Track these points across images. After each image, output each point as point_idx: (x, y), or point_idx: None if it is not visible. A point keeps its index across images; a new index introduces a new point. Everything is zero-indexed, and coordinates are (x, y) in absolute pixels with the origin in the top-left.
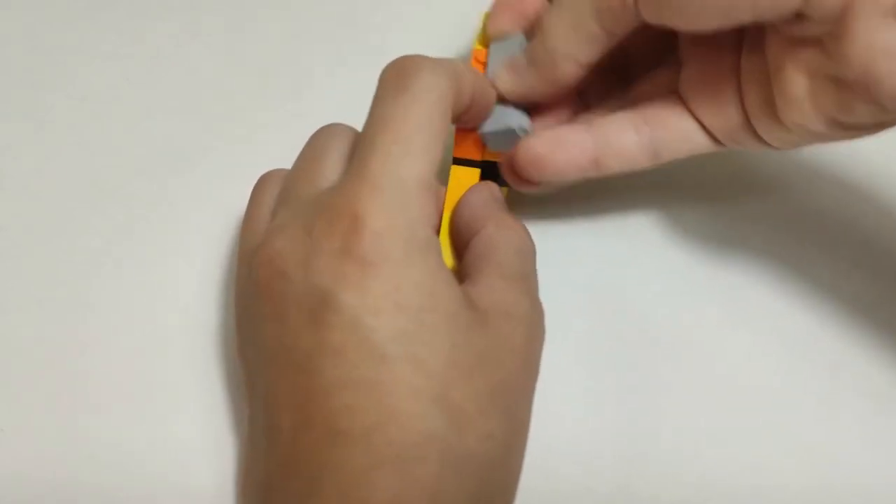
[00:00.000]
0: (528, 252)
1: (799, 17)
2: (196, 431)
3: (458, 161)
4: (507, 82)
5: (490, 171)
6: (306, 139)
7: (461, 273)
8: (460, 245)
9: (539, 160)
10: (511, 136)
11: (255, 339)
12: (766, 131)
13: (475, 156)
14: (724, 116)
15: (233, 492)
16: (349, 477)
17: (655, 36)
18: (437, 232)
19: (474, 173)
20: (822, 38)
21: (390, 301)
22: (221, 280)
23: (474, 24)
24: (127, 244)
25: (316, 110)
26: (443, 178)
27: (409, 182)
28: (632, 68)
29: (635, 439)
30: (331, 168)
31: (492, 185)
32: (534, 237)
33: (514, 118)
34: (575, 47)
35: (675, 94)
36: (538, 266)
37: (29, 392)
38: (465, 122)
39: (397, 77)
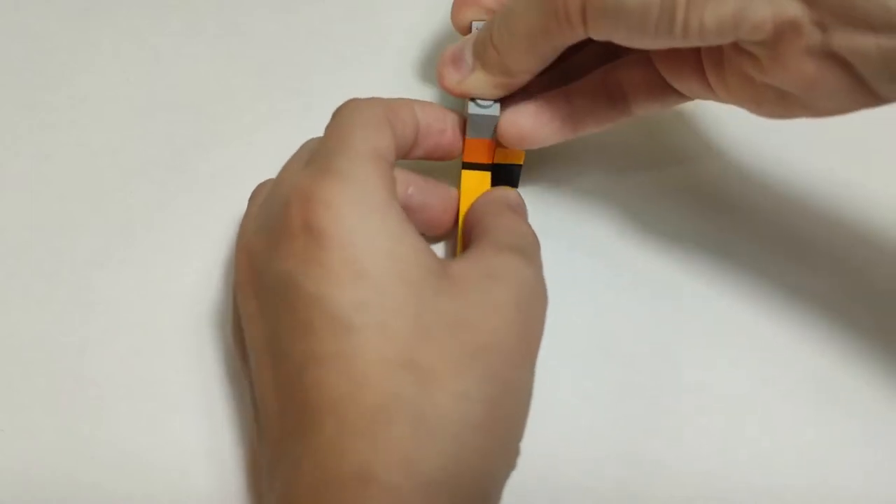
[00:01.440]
0: (526, 235)
1: (735, 45)
2: (196, 431)
3: (468, 165)
4: (452, 81)
5: (501, 174)
6: (306, 140)
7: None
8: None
9: (526, 136)
10: (486, 121)
11: (248, 340)
12: (725, 97)
13: (484, 159)
14: (688, 81)
15: (232, 491)
16: (322, 449)
17: None
18: (393, 196)
19: (485, 176)
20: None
21: (350, 271)
22: (221, 280)
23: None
24: (127, 244)
25: (316, 110)
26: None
27: (351, 156)
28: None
29: (635, 439)
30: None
31: (506, 191)
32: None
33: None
34: (525, 63)
35: (643, 54)
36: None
37: (29, 392)
38: (430, 150)
39: (335, 110)
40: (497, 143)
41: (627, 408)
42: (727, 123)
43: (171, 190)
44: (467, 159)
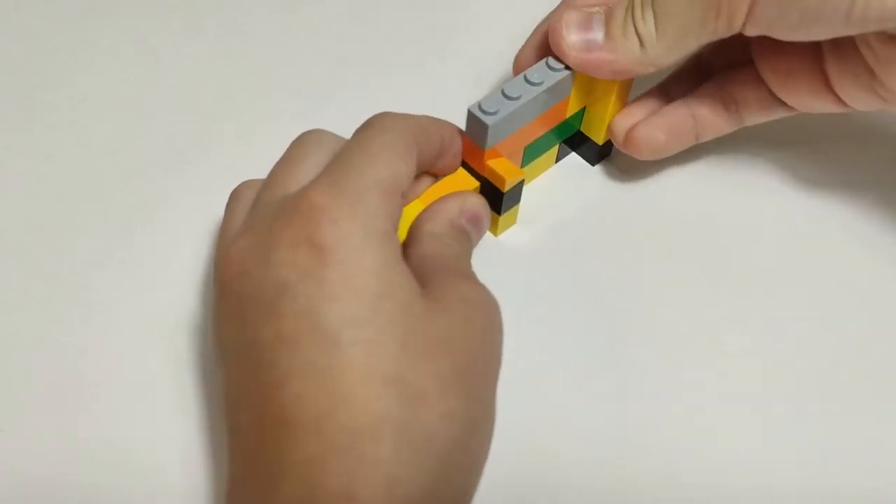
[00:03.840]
0: (466, 255)
1: None
2: (197, 431)
3: (465, 165)
4: (572, 47)
5: (486, 190)
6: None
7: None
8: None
9: (660, 149)
10: (479, 126)
11: (221, 341)
12: (856, 102)
13: (476, 166)
14: (804, 94)
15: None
16: (303, 467)
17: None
18: (396, 230)
19: (471, 180)
20: None
21: (346, 288)
22: None
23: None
24: (127, 244)
25: (315, 111)
26: None
27: (370, 182)
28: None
29: (635, 439)
30: (304, 175)
31: (467, 200)
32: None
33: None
34: (665, 56)
35: (753, 73)
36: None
37: (29, 392)
38: (444, 169)
39: (367, 121)
40: (488, 157)
41: (627, 408)
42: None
43: (170, 190)
44: (465, 158)
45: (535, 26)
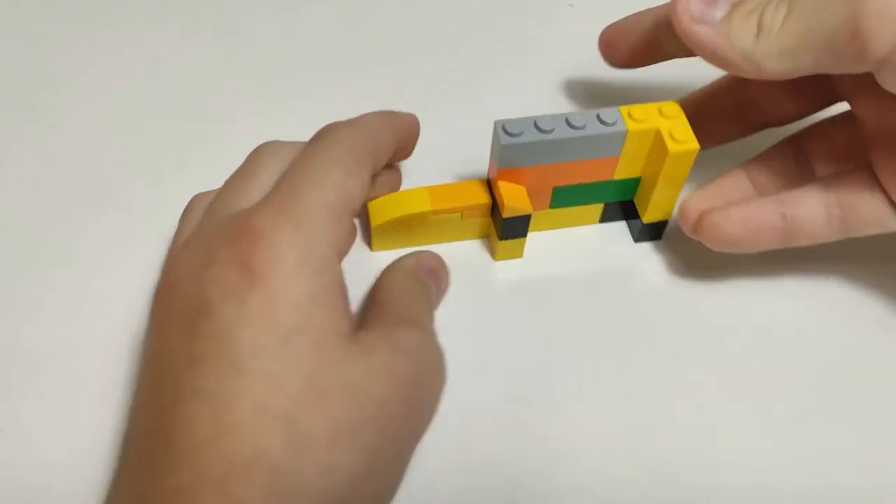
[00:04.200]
0: (422, 303)
1: None
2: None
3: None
4: (690, 18)
5: (495, 212)
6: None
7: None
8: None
9: (730, 240)
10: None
11: (144, 348)
12: None
13: (493, 185)
14: None
15: None
16: (173, 495)
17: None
18: (343, 256)
19: (484, 195)
20: None
21: (264, 316)
22: None
23: None
24: (127, 243)
25: (315, 111)
26: None
27: (316, 205)
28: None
29: (635, 439)
30: (257, 188)
31: (419, 258)
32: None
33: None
34: (772, 60)
35: (866, 174)
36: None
37: (29, 391)
38: (401, 151)
39: (317, 133)
40: (502, 177)
41: (627, 408)
42: None
43: (169, 190)
44: (489, 173)
45: None
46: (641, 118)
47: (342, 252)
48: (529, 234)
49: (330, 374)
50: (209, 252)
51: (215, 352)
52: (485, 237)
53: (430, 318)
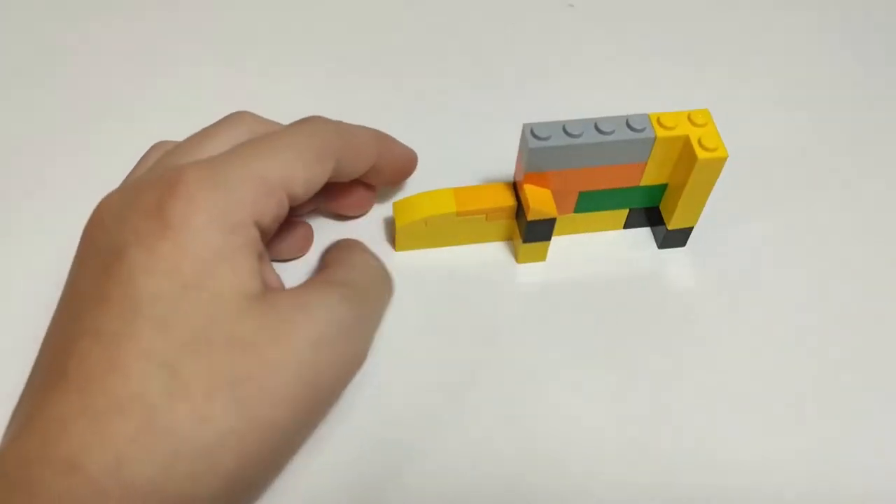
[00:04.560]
0: (364, 276)
1: None
2: None
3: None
4: None
5: (520, 213)
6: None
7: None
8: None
9: None
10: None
11: (66, 282)
12: None
13: (518, 187)
14: None
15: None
16: (50, 423)
17: None
18: (265, 232)
19: (509, 197)
20: None
21: (168, 265)
22: None
23: None
24: None
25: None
26: None
27: (250, 174)
28: None
29: (634, 439)
30: (211, 148)
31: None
32: None
33: None
34: None
35: None
36: None
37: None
38: (386, 177)
39: (298, 120)
40: (528, 181)
41: (627, 408)
42: None
43: None
44: (515, 175)
45: None
46: (671, 125)
47: (264, 226)
48: (553, 238)
49: (220, 328)
50: (136, 198)
51: (119, 294)
52: (509, 239)
53: (370, 288)
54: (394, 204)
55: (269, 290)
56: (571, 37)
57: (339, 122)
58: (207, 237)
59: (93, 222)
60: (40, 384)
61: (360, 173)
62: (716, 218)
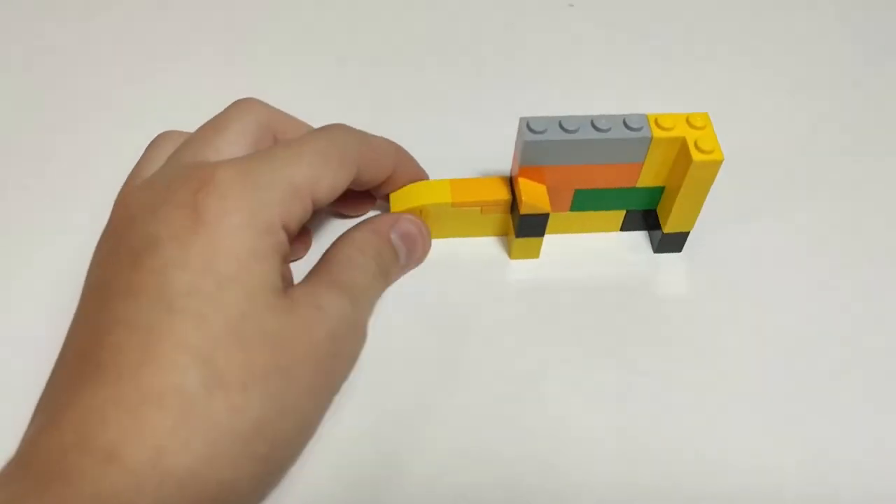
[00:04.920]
0: (364, 276)
1: None
2: None
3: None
4: None
5: (514, 207)
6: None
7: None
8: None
9: None
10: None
11: (87, 275)
12: None
13: (514, 181)
14: None
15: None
16: (86, 412)
17: None
18: (290, 235)
19: (504, 191)
20: None
21: (203, 259)
22: None
23: None
24: None
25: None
26: None
27: (279, 176)
28: None
29: (634, 440)
30: (227, 143)
31: (393, 219)
32: None
33: None
34: None
35: None
36: None
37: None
38: (385, 186)
39: (320, 127)
40: (523, 174)
41: (627, 408)
42: None
43: None
44: (512, 170)
45: None
46: (668, 126)
47: (290, 229)
48: (548, 237)
49: (253, 323)
50: (167, 192)
51: (152, 287)
52: (504, 234)
53: (371, 286)
54: (391, 194)
55: (287, 286)
56: (571, 36)
57: (362, 132)
58: (241, 236)
59: (119, 215)
60: (72, 375)
61: (376, 183)
62: (714, 223)
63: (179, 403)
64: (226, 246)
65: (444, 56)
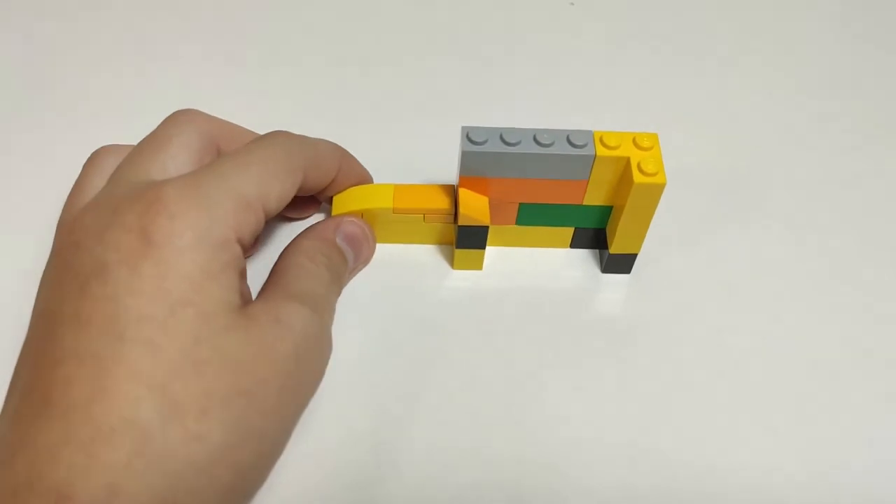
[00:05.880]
0: (321, 285)
1: None
2: None
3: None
4: None
5: (455, 217)
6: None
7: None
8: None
9: None
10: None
11: (35, 303)
12: None
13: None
14: None
15: None
16: (39, 452)
17: None
18: (245, 248)
19: (446, 199)
20: None
21: (154, 285)
22: None
23: None
24: None
25: (313, 112)
26: None
27: (227, 190)
28: None
29: (635, 439)
30: (171, 158)
31: (337, 223)
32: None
33: None
34: None
35: None
36: None
37: None
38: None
39: (263, 135)
40: (463, 184)
41: (627, 408)
42: None
43: None
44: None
45: None
46: (614, 145)
47: (245, 242)
48: (496, 249)
49: (209, 346)
50: (114, 215)
51: (102, 317)
52: (448, 243)
53: (328, 292)
54: (334, 197)
55: (245, 303)
56: (572, 35)
57: (304, 137)
58: (193, 256)
59: (63, 241)
60: (22, 411)
61: (322, 187)
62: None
63: (133, 437)
64: (177, 267)
65: (446, 56)
